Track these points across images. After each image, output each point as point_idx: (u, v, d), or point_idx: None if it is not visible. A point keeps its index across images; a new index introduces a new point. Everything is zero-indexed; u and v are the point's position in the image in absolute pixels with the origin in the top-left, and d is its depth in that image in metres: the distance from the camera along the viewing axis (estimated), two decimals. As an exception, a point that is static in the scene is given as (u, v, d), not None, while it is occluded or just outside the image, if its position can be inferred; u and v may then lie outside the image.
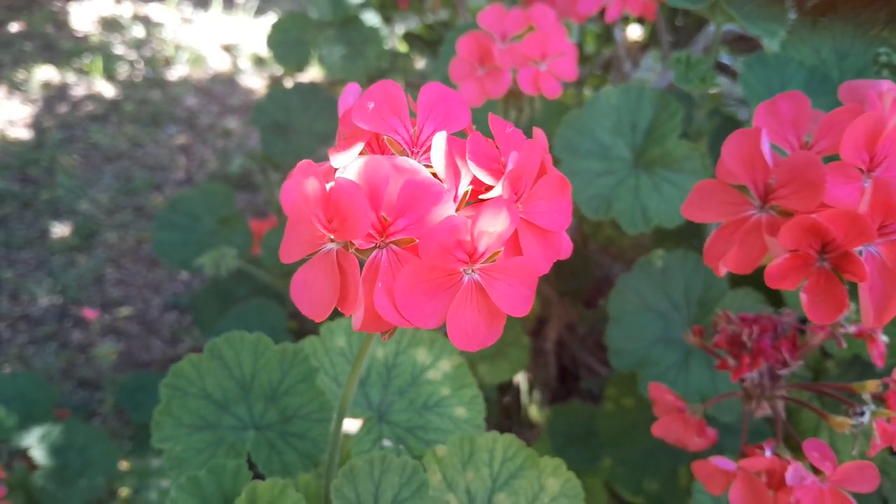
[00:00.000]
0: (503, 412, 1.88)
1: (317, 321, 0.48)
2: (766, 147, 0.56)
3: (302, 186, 0.47)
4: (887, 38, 1.15)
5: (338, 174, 0.48)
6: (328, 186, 0.46)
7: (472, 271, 0.48)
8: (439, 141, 0.48)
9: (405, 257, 0.47)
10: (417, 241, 0.46)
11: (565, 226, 0.52)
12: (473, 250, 0.46)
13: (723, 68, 1.87)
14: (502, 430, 1.84)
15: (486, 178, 0.48)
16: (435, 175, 0.48)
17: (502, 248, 0.48)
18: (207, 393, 0.79)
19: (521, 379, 1.82)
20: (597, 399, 1.87)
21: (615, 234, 1.54)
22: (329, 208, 0.45)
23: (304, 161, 0.48)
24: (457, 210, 0.48)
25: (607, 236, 1.61)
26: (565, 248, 0.53)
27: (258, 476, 0.72)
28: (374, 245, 0.47)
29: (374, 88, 0.51)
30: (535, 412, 1.84)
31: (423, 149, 0.51)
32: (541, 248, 0.50)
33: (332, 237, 0.47)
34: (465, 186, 0.49)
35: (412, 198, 0.45)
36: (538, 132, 0.54)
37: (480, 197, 0.49)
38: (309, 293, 0.48)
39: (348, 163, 0.48)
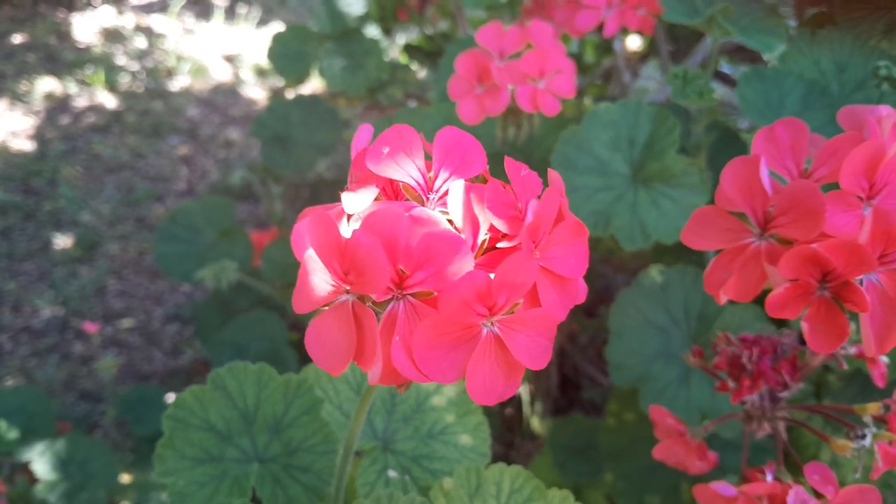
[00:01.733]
0: (505, 424, 1.87)
1: (333, 375, 0.47)
2: (765, 175, 0.55)
3: (316, 235, 0.45)
4: (887, 48, 1.14)
5: (352, 223, 0.47)
6: (343, 233, 0.45)
7: (492, 324, 0.47)
8: (457, 190, 0.47)
9: (423, 310, 0.46)
10: (436, 293, 0.45)
11: (582, 272, 0.50)
12: (493, 304, 0.45)
13: (723, 78, 1.87)
14: (504, 442, 1.83)
15: (505, 228, 0.47)
16: (451, 223, 0.47)
17: (521, 300, 0.47)
18: (211, 425, 0.78)
19: (522, 390, 1.81)
20: (598, 409, 1.87)
21: (616, 246, 1.53)
22: (345, 261, 0.44)
23: (317, 208, 0.47)
24: (474, 259, 0.47)
25: (608, 248, 1.61)
26: (581, 293, 0.52)
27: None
28: (390, 297, 0.46)
29: (389, 133, 0.50)
30: (536, 423, 1.84)
31: (439, 194, 0.50)
32: (558, 295, 0.49)
33: (348, 289, 0.46)
34: (483, 235, 0.48)
35: (431, 250, 0.44)
36: (555, 176, 0.53)
37: (498, 245, 0.49)
38: (324, 347, 0.47)
39: (362, 209, 0.47)
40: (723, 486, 0.67)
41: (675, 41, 1.80)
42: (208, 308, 2.04)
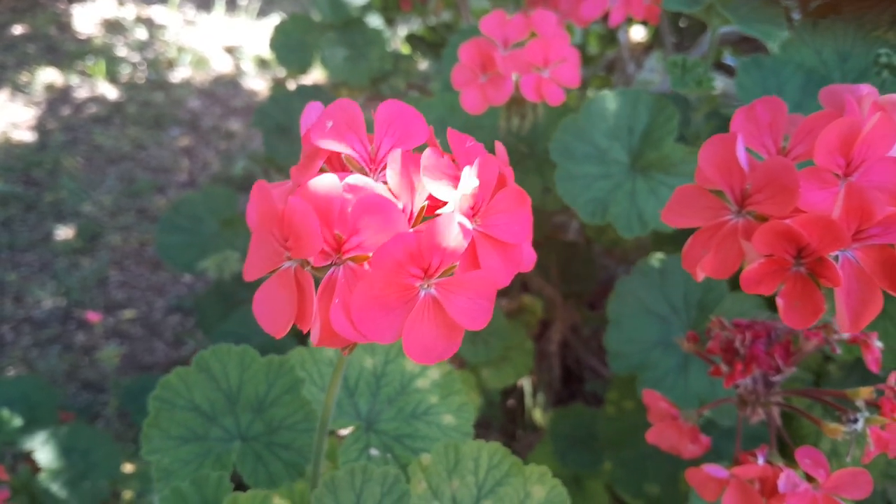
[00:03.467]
0: (507, 415, 1.88)
1: (276, 337, 0.49)
2: (741, 152, 0.55)
3: (258, 206, 0.48)
4: (891, 39, 1.14)
5: (291, 194, 0.48)
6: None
7: (428, 286, 0.48)
8: (394, 157, 0.49)
9: (361, 274, 0.47)
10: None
11: (525, 238, 0.52)
12: (427, 265, 0.47)
13: (726, 69, 1.86)
14: (506, 434, 1.84)
15: (440, 193, 0.49)
16: (391, 191, 0.49)
17: (458, 263, 0.48)
18: (195, 405, 0.80)
19: (524, 382, 1.82)
20: (601, 400, 1.87)
21: (618, 237, 1.53)
22: (283, 227, 0.46)
23: (260, 181, 0.49)
24: (413, 226, 0.49)
25: (610, 239, 1.61)
26: (527, 261, 0.53)
27: (245, 487, 0.73)
28: (330, 262, 0.48)
29: (332, 107, 0.52)
30: (538, 415, 1.84)
31: (382, 166, 0.52)
32: (500, 260, 0.50)
33: (289, 255, 0.48)
34: (420, 202, 0.49)
35: (364, 214, 0.46)
36: (500, 147, 0.55)
37: (438, 212, 0.50)
38: (268, 309, 0.49)
39: (305, 181, 0.49)
40: (714, 469, 0.67)
41: (679, 32, 1.79)
42: (210, 299, 2.04)
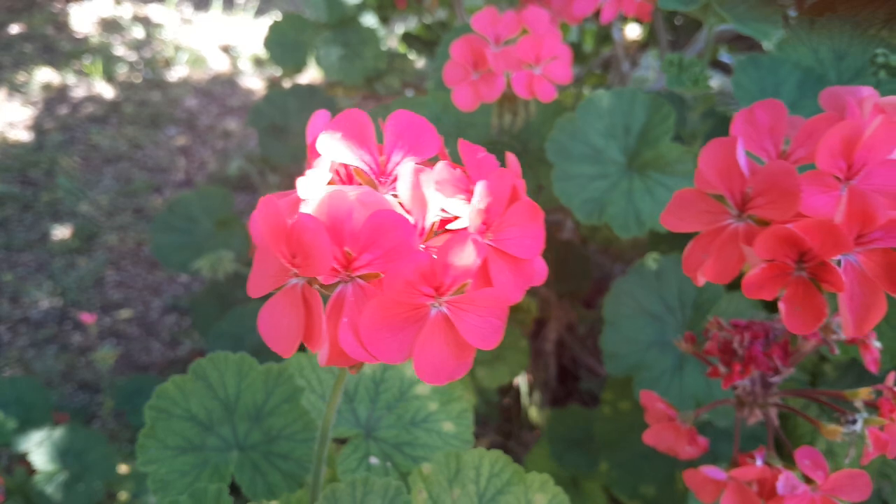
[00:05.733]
0: (503, 414, 1.87)
1: (284, 357, 0.47)
2: (741, 156, 0.55)
3: (265, 221, 0.46)
4: (886, 37, 1.14)
5: (300, 208, 0.47)
6: (293, 216, 0.45)
7: (440, 304, 0.47)
8: (406, 171, 0.47)
9: (371, 292, 0.46)
10: (383, 275, 0.45)
11: (537, 252, 0.50)
12: (440, 284, 0.45)
13: (723, 67, 1.86)
14: (503, 432, 1.83)
15: (453, 209, 0.47)
16: (402, 206, 0.47)
17: (470, 280, 0.47)
18: (192, 414, 0.79)
19: (521, 381, 1.81)
20: (597, 400, 1.86)
21: (613, 235, 1.53)
22: (291, 244, 0.45)
23: (268, 195, 0.47)
24: (425, 241, 0.47)
25: (605, 237, 1.60)
26: (539, 275, 0.52)
27: (243, 498, 0.72)
28: (339, 280, 0.46)
29: (341, 118, 0.50)
30: (535, 414, 1.84)
31: (391, 178, 0.50)
32: (512, 276, 0.49)
33: (297, 272, 0.46)
34: (433, 217, 0.48)
35: (376, 232, 0.44)
36: (511, 158, 0.53)
37: (449, 227, 0.48)
38: (275, 328, 0.47)
39: (314, 194, 0.47)
40: (713, 471, 0.67)
41: (674, 30, 1.79)
42: (205, 299, 2.03)
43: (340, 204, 0.45)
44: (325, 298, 0.47)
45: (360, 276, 0.46)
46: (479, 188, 0.47)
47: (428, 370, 0.47)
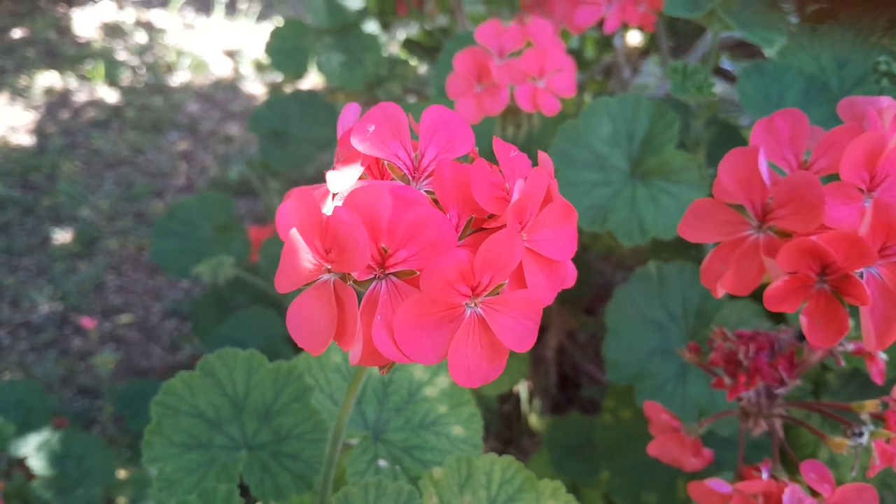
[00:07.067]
0: (503, 421, 1.87)
1: (314, 355, 0.46)
2: (763, 167, 0.54)
3: (298, 213, 0.44)
4: (887, 45, 1.13)
5: (335, 201, 0.46)
6: (326, 211, 0.44)
7: (475, 305, 0.46)
8: (443, 168, 0.46)
9: (405, 290, 0.45)
10: (418, 273, 0.44)
11: (571, 254, 0.50)
12: (477, 284, 0.44)
13: (724, 74, 1.85)
14: (503, 439, 1.82)
15: (490, 208, 0.46)
16: (436, 202, 0.47)
17: (507, 281, 0.46)
18: (199, 411, 0.77)
19: (521, 387, 1.81)
20: (597, 407, 1.85)
21: (615, 242, 1.52)
22: (327, 238, 0.43)
23: (301, 188, 0.46)
24: (459, 239, 0.47)
25: (607, 245, 1.60)
26: (570, 277, 0.51)
27: (250, 498, 0.71)
28: (372, 276, 0.45)
29: (375, 110, 0.49)
30: (535, 421, 1.83)
31: (425, 174, 0.50)
32: (545, 278, 0.48)
33: (330, 267, 0.45)
34: (468, 215, 0.47)
35: (414, 228, 0.43)
36: (544, 157, 0.53)
37: (483, 226, 0.48)
38: (305, 326, 0.46)
39: (347, 188, 0.46)
40: (718, 483, 0.66)
41: (676, 37, 1.79)
42: (206, 304, 2.03)
43: (377, 198, 0.43)
44: (357, 296, 0.46)
45: (394, 274, 0.45)
46: (518, 187, 0.46)
47: (462, 371, 0.46)
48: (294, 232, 0.45)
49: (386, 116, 0.49)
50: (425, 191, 0.48)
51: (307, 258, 0.45)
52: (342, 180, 0.48)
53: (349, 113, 0.53)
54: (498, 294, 0.46)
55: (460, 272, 0.43)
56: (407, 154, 0.50)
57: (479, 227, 0.48)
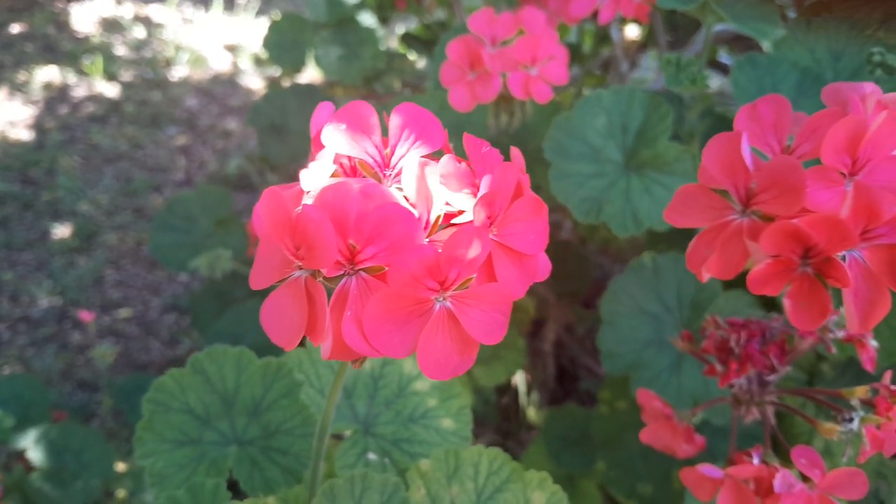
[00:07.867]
0: (501, 413, 1.87)
1: (286, 349, 0.47)
2: (746, 151, 0.55)
3: (269, 212, 0.45)
4: (882, 38, 1.14)
5: (304, 200, 0.47)
6: (297, 211, 0.45)
7: (444, 299, 0.46)
8: (411, 164, 0.47)
9: (375, 285, 0.46)
10: (387, 268, 0.45)
11: (541, 248, 0.50)
12: (444, 278, 0.45)
13: (722, 67, 1.86)
14: (501, 432, 1.82)
15: (458, 203, 0.47)
16: (406, 199, 0.47)
17: (475, 275, 0.46)
18: (190, 408, 0.78)
19: (519, 380, 1.81)
20: (595, 399, 1.86)
21: (611, 234, 1.53)
22: (296, 236, 0.44)
23: (272, 187, 0.47)
24: (429, 235, 0.47)
25: (604, 237, 1.60)
26: (542, 270, 0.52)
27: (240, 493, 0.72)
28: (342, 273, 0.46)
29: (345, 109, 0.50)
30: (533, 413, 1.84)
31: (396, 171, 0.50)
32: (516, 271, 0.49)
33: (300, 264, 0.46)
34: (437, 211, 0.48)
35: (380, 225, 0.44)
36: (516, 153, 0.53)
37: (454, 221, 0.48)
38: (278, 321, 0.47)
39: (318, 186, 0.47)
40: (709, 469, 0.67)
41: (673, 31, 1.79)
42: (204, 298, 2.03)
43: (345, 196, 0.44)
44: (329, 292, 0.47)
45: (363, 270, 0.46)
46: (485, 182, 0.47)
47: (431, 365, 0.47)
48: (266, 230, 0.46)
49: (356, 114, 0.50)
50: (396, 188, 0.49)
51: (279, 255, 0.46)
52: (313, 178, 0.48)
53: (322, 112, 0.53)
54: (467, 288, 0.47)
55: (427, 267, 0.44)
56: (378, 151, 0.50)
57: (449, 223, 0.49)
